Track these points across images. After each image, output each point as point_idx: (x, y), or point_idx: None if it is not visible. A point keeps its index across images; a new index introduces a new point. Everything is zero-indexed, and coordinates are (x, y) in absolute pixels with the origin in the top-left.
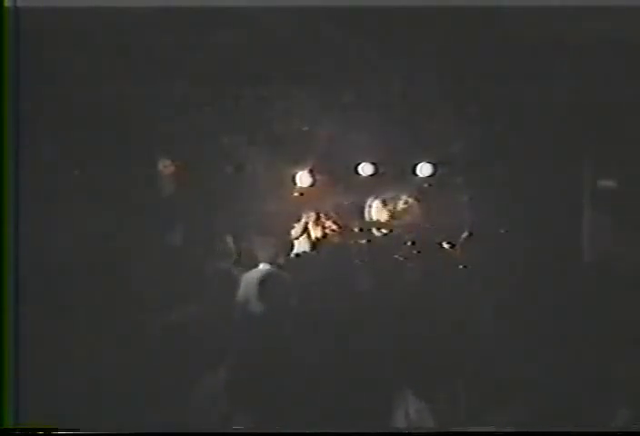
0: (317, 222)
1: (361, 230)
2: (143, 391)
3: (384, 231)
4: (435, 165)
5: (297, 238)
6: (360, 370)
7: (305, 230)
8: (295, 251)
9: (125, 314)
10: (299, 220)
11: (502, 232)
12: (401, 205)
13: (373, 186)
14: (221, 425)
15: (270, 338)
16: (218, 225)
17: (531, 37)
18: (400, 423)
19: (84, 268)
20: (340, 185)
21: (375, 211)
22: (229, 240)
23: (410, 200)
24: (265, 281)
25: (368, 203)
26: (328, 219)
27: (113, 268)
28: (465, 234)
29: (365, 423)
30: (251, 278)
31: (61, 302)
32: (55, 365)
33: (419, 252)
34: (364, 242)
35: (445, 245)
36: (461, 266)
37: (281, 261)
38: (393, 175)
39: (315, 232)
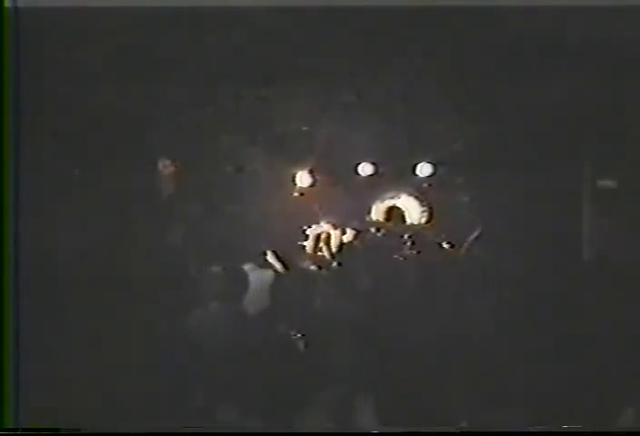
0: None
1: (358, 232)
2: (143, 391)
3: (383, 231)
4: (434, 165)
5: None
6: (359, 369)
7: (319, 240)
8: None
9: (125, 314)
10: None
11: (502, 232)
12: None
13: (373, 186)
14: (222, 425)
15: (269, 338)
16: (218, 225)
17: (531, 37)
18: (396, 423)
19: (84, 268)
20: (340, 185)
21: (376, 211)
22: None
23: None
24: (281, 281)
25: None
26: (336, 228)
27: (113, 268)
28: (474, 235)
29: (362, 423)
30: (259, 279)
31: (61, 302)
32: (55, 365)
33: (419, 252)
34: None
35: (445, 245)
36: (461, 266)
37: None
38: (393, 175)
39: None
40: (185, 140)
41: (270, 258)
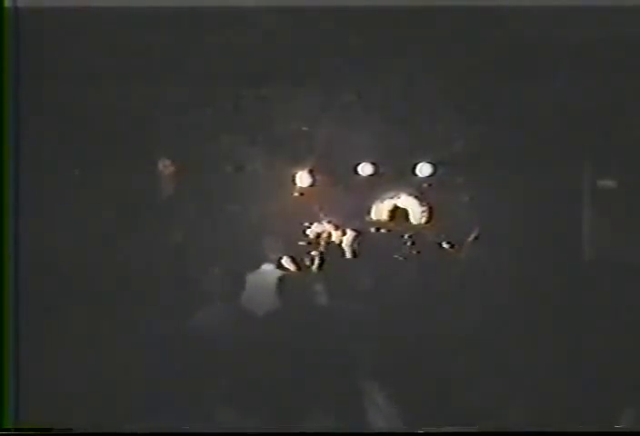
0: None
1: (358, 232)
2: (143, 391)
3: (383, 230)
4: (434, 165)
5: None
6: (359, 369)
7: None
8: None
9: (125, 314)
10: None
11: (502, 232)
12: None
13: (373, 186)
14: (222, 425)
15: (269, 337)
16: (218, 225)
17: (531, 37)
18: (396, 423)
19: (84, 268)
20: (340, 185)
21: (375, 211)
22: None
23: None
24: (281, 281)
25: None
26: (337, 229)
27: (113, 268)
28: (472, 236)
29: (362, 424)
30: (259, 279)
31: (61, 302)
32: (55, 365)
33: (419, 252)
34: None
35: (445, 245)
36: (461, 266)
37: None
38: (393, 175)
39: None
40: (185, 140)
41: (271, 258)
